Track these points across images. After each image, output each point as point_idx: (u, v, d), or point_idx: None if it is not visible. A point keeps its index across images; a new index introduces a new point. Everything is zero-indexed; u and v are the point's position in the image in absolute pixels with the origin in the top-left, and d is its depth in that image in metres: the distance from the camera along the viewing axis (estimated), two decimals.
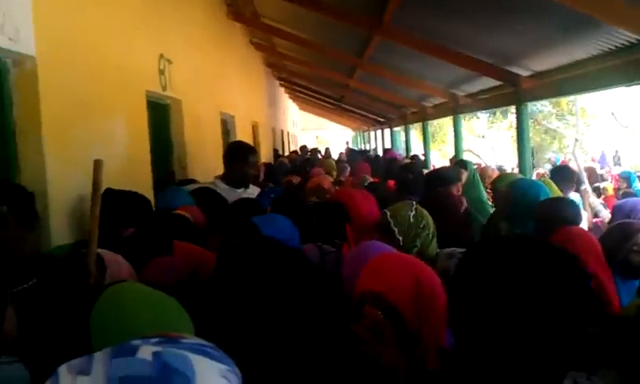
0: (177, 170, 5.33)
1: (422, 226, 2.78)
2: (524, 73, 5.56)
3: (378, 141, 19.44)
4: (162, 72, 4.80)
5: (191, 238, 3.22)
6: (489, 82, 6.58)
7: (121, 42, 3.91)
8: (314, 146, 20.88)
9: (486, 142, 19.70)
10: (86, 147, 3.19)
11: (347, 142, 32.34)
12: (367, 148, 21.79)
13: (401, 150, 14.03)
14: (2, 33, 2.42)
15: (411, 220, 2.77)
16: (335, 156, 16.31)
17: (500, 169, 10.23)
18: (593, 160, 20.31)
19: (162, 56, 4.84)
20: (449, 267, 2.44)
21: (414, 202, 2.92)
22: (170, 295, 1.52)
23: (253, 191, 4.65)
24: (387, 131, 16.97)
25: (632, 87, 5.34)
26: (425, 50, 6.02)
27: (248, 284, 1.64)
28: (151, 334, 0.96)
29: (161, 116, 5.15)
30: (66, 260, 2.27)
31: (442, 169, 5.69)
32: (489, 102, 7.32)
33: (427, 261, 2.58)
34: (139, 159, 4.10)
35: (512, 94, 5.83)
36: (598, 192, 11.81)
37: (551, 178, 5.02)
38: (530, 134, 16.44)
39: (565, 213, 3.41)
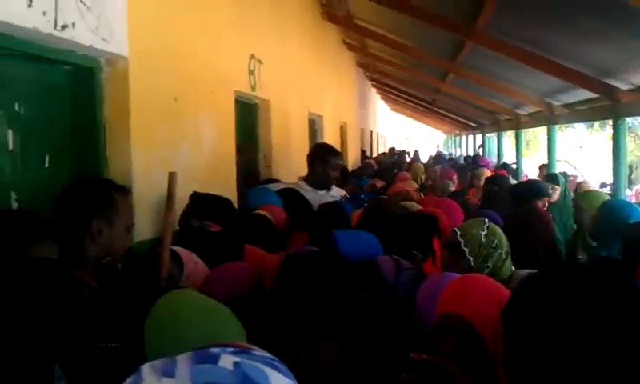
0: (261, 170, 5.42)
1: (494, 245, 2.64)
2: (623, 86, 5.30)
3: (470, 145, 19.09)
4: (252, 72, 4.89)
5: (270, 239, 3.29)
6: (586, 94, 6.31)
7: (212, 42, 4.01)
8: (403, 149, 20.74)
9: (584, 152, 18.93)
10: (172, 145, 3.30)
11: (438, 146, 31.94)
12: (459, 153, 21.45)
13: (493, 157, 13.69)
14: (96, 34, 2.52)
15: (482, 239, 2.65)
16: (425, 159, 16.19)
17: (602, 185, 9.76)
18: None
19: (252, 56, 4.93)
20: None
21: (487, 220, 2.78)
22: (232, 305, 1.55)
23: (336, 193, 4.66)
24: (479, 136, 16.62)
25: None
26: (518, 58, 5.84)
27: (306, 299, 1.65)
28: (226, 343, 0.98)
29: (248, 115, 5.25)
30: (144, 259, 2.35)
31: (528, 182, 5.50)
32: (585, 114, 7.03)
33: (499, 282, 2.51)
34: (225, 158, 4.19)
35: (610, 107, 5.57)
36: None
37: None
38: (630, 149, 15.67)
39: None
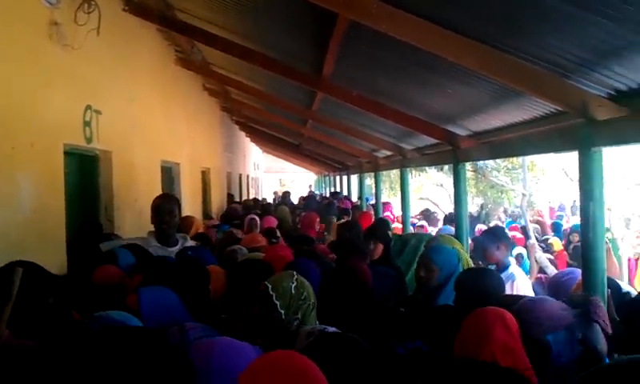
0: (103, 223, 5.15)
1: (303, 297, 2.68)
2: (462, 132, 5.53)
3: (344, 185, 19.41)
4: (87, 124, 4.65)
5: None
6: (433, 139, 6.54)
7: (34, 96, 3.77)
8: (277, 189, 20.73)
9: (444, 190, 19.76)
10: None
11: (310, 186, 32.32)
12: (331, 192, 21.79)
13: (371, 197, 14.15)
14: None
15: (292, 291, 2.66)
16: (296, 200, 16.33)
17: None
18: (552, 209, 20.41)
19: (89, 107, 4.69)
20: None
21: (295, 273, 2.80)
22: None
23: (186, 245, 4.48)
24: (350, 177, 16.96)
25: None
26: (364, 107, 5.97)
27: None
28: None
29: (87, 168, 5.00)
30: None
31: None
32: (432, 158, 7.31)
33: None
34: (50, 215, 3.94)
35: (451, 152, 5.79)
36: (547, 246, 11.84)
37: (482, 240, 4.99)
38: (481, 188, 16.47)
39: (487, 283, 3.32)
